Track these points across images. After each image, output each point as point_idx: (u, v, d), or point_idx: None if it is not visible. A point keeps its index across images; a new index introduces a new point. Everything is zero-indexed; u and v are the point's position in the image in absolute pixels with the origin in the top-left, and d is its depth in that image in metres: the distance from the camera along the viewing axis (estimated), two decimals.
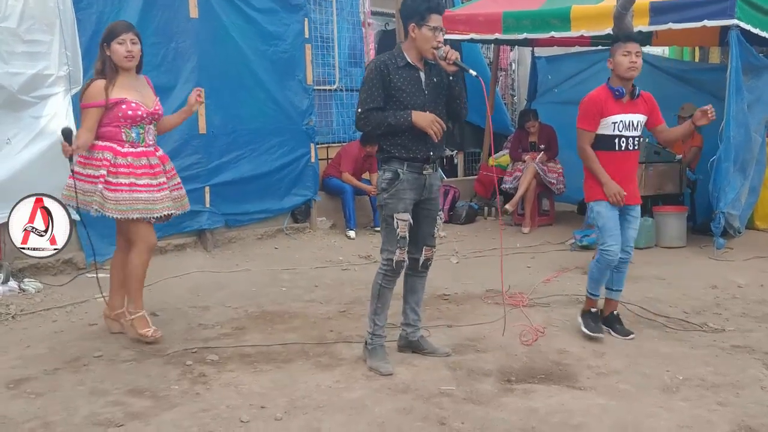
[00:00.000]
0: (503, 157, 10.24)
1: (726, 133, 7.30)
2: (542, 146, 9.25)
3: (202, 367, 4.23)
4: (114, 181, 4.43)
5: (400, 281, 4.41)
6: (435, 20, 4.09)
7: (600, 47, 9.18)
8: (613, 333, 4.85)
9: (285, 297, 5.84)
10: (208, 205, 7.32)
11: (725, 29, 7.40)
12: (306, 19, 8.20)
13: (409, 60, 4.16)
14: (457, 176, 10.95)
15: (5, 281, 5.78)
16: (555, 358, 4.43)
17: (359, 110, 4.17)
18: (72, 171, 4.44)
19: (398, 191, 4.15)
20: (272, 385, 3.99)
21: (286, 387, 3.95)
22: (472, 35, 8.84)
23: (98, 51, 4.58)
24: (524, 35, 8.44)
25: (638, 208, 4.86)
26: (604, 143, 4.69)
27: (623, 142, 4.69)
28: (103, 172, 4.42)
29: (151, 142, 4.62)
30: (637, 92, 4.72)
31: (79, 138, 4.40)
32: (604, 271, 4.77)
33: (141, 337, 4.61)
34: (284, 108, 8.03)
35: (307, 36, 8.20)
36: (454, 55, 4.07)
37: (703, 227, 8.04)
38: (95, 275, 4.91)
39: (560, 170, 9.15)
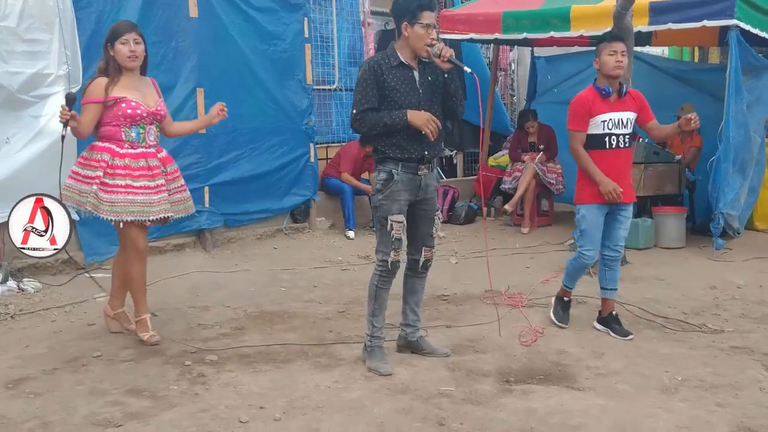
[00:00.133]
0: (502, 157, 10.24)
1: (725, 134, 7.30)
2: (541, 146, 9.25)
3: (201, 368, 4.23)
4: (110, 182, 4.42)
5: (398, 282, 4.42)
6: (427, 17, 4.07)
7: None
8: (612, 333, 4.86)
9: (284, 297, 5.84)
10: (207, 205, 7.32)
11: (725, 29, 7.40)
12: (306, 18, 8.20)
13: (403, 59, 4.15)
14: (456, 176, 10.95)
15: (4, 281, 5.78)
16: (554, 358, 4.43)
17: (354, 111, 4.16)
18: (63, 137, 4.43)
19: (393, 192, 4.15)
20: (271, 385, 3.99)
21: (285, 387, 3.95)
22: (472, 35, 8.85)
23: (101, 50, 4.58)
24: (524, 35, 8.44)
25: (630, 208, 4.90)
26: (595, 142, 4.75)
27: (614, 140, 4.75)
28: (100, 173, 4.41)
29: (152, 143, 4.59)
30: (624, 90, 4.78)
31: (77, 122, 4.38)
32: (580, 270, 4.99)
33: (142, 340, 4.62)
34: (284, 107, 8.03)
35: (306, 35, 8.20)
36: (448, 52, 4.06)
37: (703, 228, 8.04)
38: (88, 274, 4.88)
39: (559, 170, 9.15)
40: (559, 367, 4.30)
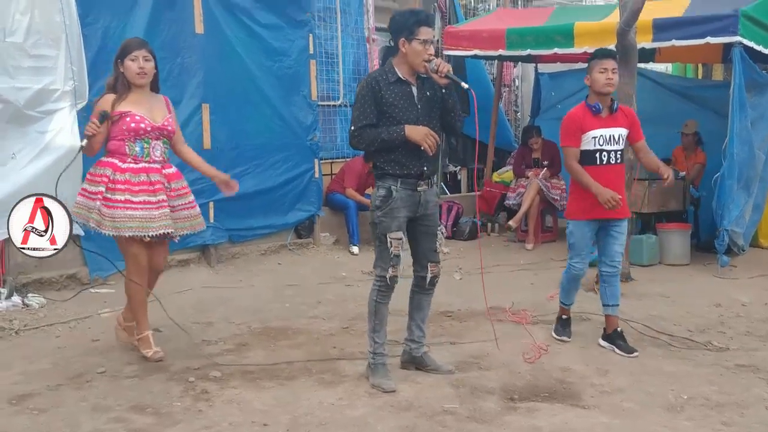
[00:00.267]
0: (506, 173, 10.25)
1: (729, 151, 7.30)
2: (545, 162, 9.26)
3: (205, 384, 4.22)
4: (111, 197, 4.43)
5: (404, 299, 4.41)
6: (424, 33, 4.09)
7: None
8: (616, 350, 4.84)
9: (288, 313, 5.83)
10: (212, 221, 7.32)
11: (728, 46, 7.42)
12: (311, 34, 8.24)
13: (400, 75, 4.17)
14: (460, 192, 10.96)
15: (9, 296, 5.77)
16: (558, 375, 4.42)
17: (352, 128, 4.19)
18: (81, 148, 4.50)
19: (392, 209, 4.15)
20: (275, 402, 3.98)
21: (288, 404, 3.94)
22: (476, 51, 8.91)
23: (108, 66, 4.61)
24: (528, 51, 8.49)
25: (624, 223, 4.94)
26: (587, 158, 4.83)
27: (605, 156, 4.82)
28: (102, 188, 4.43)
29: (158, 158, 4.59)
30: (615, 106, 4.83)
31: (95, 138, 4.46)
32: (572, 282, 5.10)
33: (146, 357, 4.61)
34: (289, 123, 8.06)
35: (311, 52, 8.24)
36: (445, 67, 4.09)
37: (707, 245, 8.03)
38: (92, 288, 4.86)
39: (563, 186, 9.14)
40: (564, 384, 4.28)
